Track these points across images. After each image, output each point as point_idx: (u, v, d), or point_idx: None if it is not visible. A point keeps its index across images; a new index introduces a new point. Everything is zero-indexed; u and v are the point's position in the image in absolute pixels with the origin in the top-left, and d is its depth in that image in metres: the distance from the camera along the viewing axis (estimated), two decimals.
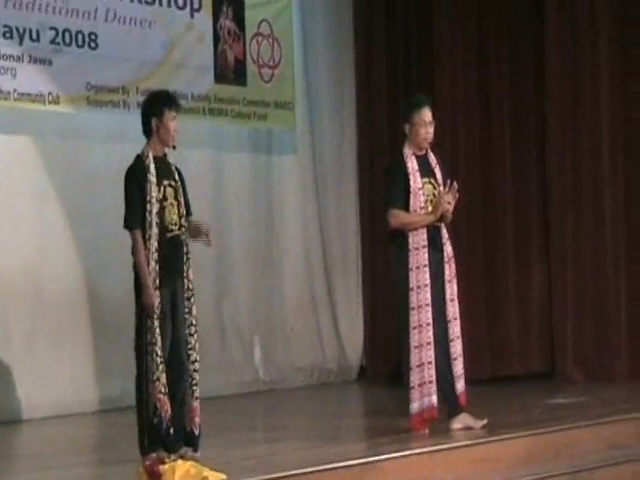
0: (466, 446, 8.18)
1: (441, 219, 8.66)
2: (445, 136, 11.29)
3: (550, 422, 9.01)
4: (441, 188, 8.70)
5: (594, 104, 12.10)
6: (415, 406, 8.61)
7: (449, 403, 8.71)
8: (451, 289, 8.71)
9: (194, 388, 7.62)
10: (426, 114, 8.76)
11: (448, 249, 8.73)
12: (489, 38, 12.55)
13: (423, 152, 8.81)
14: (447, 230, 8.78)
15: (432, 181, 8.74)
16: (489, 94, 12.52)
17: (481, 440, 8.31)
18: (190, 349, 7.62)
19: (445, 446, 8.08)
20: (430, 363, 8.59)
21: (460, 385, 8.69)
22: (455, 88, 12.21)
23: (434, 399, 8.59)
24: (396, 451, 7.77)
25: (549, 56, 12.24)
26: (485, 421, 8.67)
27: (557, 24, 12.19)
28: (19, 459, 8.67)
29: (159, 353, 7.36)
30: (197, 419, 7.61)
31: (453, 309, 8.71)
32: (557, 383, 11.91)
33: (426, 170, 8.75)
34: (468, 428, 8.61)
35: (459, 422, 8.66)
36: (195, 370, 7.63)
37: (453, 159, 11.62)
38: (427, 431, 8.59)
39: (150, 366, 7.37)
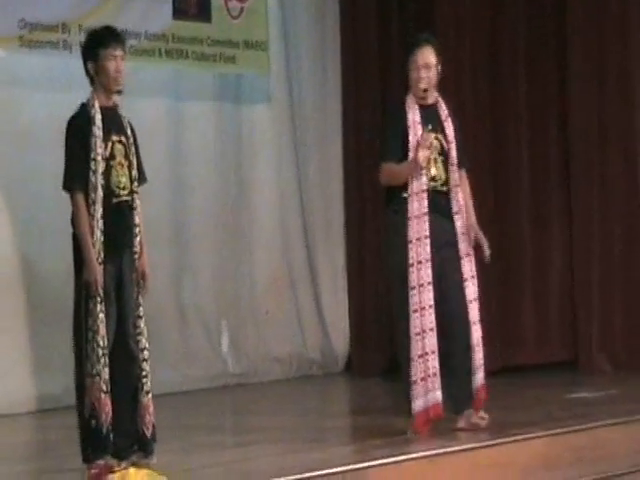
0: (472, 449, 8.21)
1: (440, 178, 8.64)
2: (448, 81, 11.30)
3: (571, 420, 9.06)
4: (451, 145, 8.63)
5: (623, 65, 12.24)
6: (418, 404, 8.53)
7: (459, 399, 8.70)
8: (465, 266, 8.64)
9: (144, 381, 7.52)
10: (421, 56, 8.66)
11: (461, 219, 8.65)
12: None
13: (431, 101, 8.72)
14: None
15: (439, 136, 8.64)
16: (501, 42, 12.60)
17: (490, 442, 8.33)
18: (139, 334, 7.54)
19: (447, 450, 8.09)
20: (434, 352, 8.50)
21: (479, 377, 8.66)
22: (459, 23, 12.22)
23: (439, 395, 8.52)
24: (389, 456, 7.77)
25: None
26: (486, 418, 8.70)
27: None
28: None
29: (101, 343, 7.27)
30: (148, 418, 7.51)
31: (469, 292, 8.63)
32: (580, 374, 12.00)
33: (432, 123, 8.63)
34: (475, 427, 8.64)
35: (464, 419, 8.67)
36: (144, 359, 7.53)
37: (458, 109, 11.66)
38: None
39: (90, 357, 7.29)
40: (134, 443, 7.47)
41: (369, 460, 7.68)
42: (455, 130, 8.71)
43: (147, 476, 6.90)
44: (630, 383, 11.30)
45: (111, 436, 7.28)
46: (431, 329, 8.52)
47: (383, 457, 7.75)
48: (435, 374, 8.53)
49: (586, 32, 12.29)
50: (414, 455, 7.90)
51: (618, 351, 12.16)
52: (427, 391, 8.53)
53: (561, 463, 8.44)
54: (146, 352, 7.55)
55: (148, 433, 7.51)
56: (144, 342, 7.55)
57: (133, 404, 7.50)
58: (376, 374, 12.10)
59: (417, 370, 8.54)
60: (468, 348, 8.63)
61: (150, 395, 7.55)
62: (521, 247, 12.41)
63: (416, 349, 8.53)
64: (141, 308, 7.59)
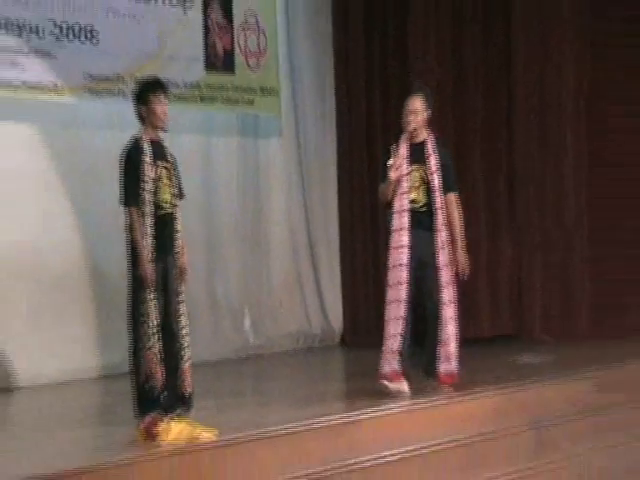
0: (440, 404, 8.21)
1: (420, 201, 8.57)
2: None
3: (518, 380, 9.06)
4: (434, 176, 8.53)
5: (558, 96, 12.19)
6: (386, 367, 8.49)
7: (426, 364, 8.68)
8: (442, 276, 8.56)
9: (184, 352, 7.53)
10: (411, 103, 8.61)
11: (442, 235, 8.54)
12: (461, 27, 12.55)
13: (418, 140, 8.62)
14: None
15: (422, 168, 8.55)
16: (461, 82, 12.54)
17: (453, 398, 8.33)
18: (180, 316, 7.54)
19: (421, 405, 8.10)
20: (400, 335, 8.43)
21: (447, 365, 8.61)
22: (429, 77, 12.16)
23: (397, 365, 8.46)
24: (375, 410, 7.77)
25: (516, 51, 12.31)
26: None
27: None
28: (27, 423, 8.67)
29: (152, 323, 7.31)
30: (188, 380, 7.52)
31: (446, 294, 8.59)
32: (524, 344, 11.93)
33: (417, 158, 8.56)
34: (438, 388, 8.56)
35: (430, 383, 8.64)
36: (184, 335, 7.53)
37: None
38: (402, 387, 8.48)
39: (144, 335, 7.32)
40: (177, 401, 7.45)
41: (360, 412, 7.69)
42: (441, 163, 8.57)
43: (186, 426, 6.88)
44: (563, 351, 11.25)
45: (163, 395, 7.31)
46: (399, 317, 8.45)
47: (370, 411, 7.75)
48: (398, 351, 8.44)
49: (527, 75, 12.26)
50: (395, 409, 7.92)
51: (555, 325, 12.15)
52: (390, 360, 8.49)
53: (509, 414, 8.45)
54: (186, 329, 7.55)
55: (188, 393, 7.51)
56: (184, 321, 7.55)
57: (176, 370, 7.48)
58: (364, 347, 12.06)
59: (386, 344, 8.50)
60: (438, 326, 8.61)
61: (189, 362, 7.54)
62: (478, 243, 12.37)
63: (389, 329, 8.50)
64: (182, 295, 7.58)
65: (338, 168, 12.99)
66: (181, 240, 7.58)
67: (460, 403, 8.28)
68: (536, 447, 8.25)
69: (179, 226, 7.56)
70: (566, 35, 12.24)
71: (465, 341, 10.82)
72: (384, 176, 8.63)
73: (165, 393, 7.34)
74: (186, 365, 7.53)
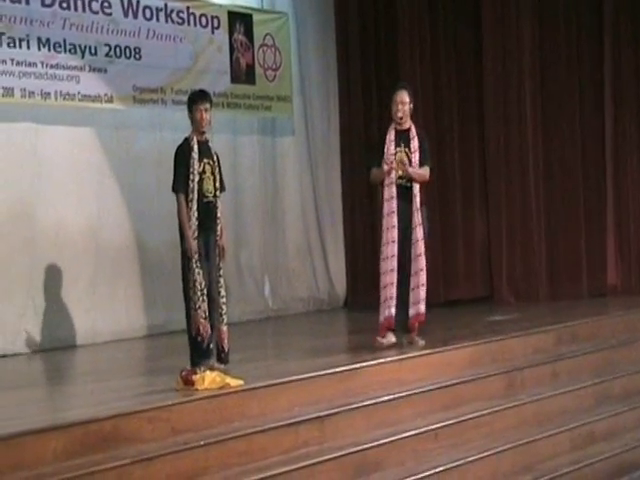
0: (426, 354, 8.14)
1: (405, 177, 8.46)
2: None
3: (489, 335, 8.98)
4: (414, 154, 8.45)
5: (520, 99, 12.08)
6: (383, 314, 8.48)
7: (401, 322, 8.55)
8: (417, 233, 8.44)
9: (223, 316, 7.56)
10: (399, 95, 8.51)
11: (417, 201, 8.44)
12: (439, 47, 12.47)
13: (405, 127, 8.53)
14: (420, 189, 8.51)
15: (406, 150, 8.47)
16: (440, 91, 12.46)
17: (437, 349, 8.26)
18: (220, 286, 7.56)
19: (410, 355, 8.04)
20: (392, 284, 8.40)
21: (413, 310, 8.46)
22: (414, 83, 12.07)
23: (393, 310, 8.42)
24: (372, 360, 7.71)
25: (486, 62, 12.20)
26: (423, 342, 8.48)
27: (491, 29, 12.14)
28: (85, 374, 8.67)
29: (199, 287, 7.33)
30: (226, 340, 7.56)
31: (418, 249, 8.45)
32: (494, 304, 11.89)
33: (402, 141, 8.48)
34: (415, 345, 8.43)
35: (407, 338, 8.51)
36: (224, 303, 7.58)
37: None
38: (391, 339, 8.44)
39: (193, 297, 7.34)
40: (216, 354, 7.49)
41: (360, 362, 7.64)
42: (419, 146, 8.48)
43: (218, 376, 6.81)
44: (526, 310, 11.19)
45: (210, 347, 7.36)
46: (392, 270, 8.42)
47: (368, 360, 7.70)
48: (392, 297, 8.42)
49: (496, 83, 12.18)
50: (389, 359, 7.85)
51: (519, 288, 12.08)
52: (385, 308, 8.45)
53: (482, 363, 8.39)
54: (224, 298, 7.59)
55: (226, 349, 7.57)
56: (223, 291, 7.59)
57: (216, 330, 7.51)
58: (364, 309, 12.01)
59: (382, 294, 8.47)
60: (412, 288, 8.49)
61: (227, 326, 7.59)
62: (455, 221, 12.33)
63: (382, 282, 8.47)
64: (222, 269, 7.61)
65: (341, 158, 12.93)
66: (221, 225, 7.60)
67: (442, 354, 8.21)
68: (505, 389, 8.18)
69: (219, 213, 7.58)
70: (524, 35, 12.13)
71: (445, 303, 10.81)
72: (375, 161, 8.57)
73: (212, 345, 7.37)
74: (225, 327, 7.57)
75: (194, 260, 7.34)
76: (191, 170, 7.39)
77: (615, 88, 12.07)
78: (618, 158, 12.11)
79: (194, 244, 7.34)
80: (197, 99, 7.59)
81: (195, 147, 7.44)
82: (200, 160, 7.45)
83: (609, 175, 12.08)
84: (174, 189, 7.45)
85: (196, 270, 7.34)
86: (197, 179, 7.40)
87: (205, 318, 7.35)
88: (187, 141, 7.50)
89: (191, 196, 7.38)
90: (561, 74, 12.11)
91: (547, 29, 12.15)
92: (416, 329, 8.52)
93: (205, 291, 7.36)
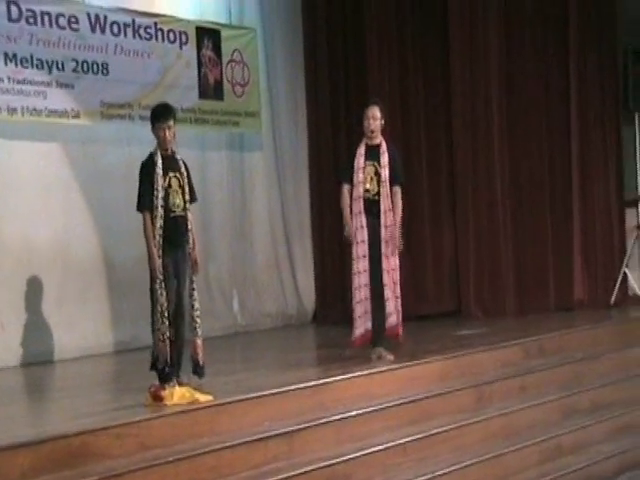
0: (395, 369, 8.17)
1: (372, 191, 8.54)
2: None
3: (458, 349, 9.03)
4: (384, 169, 8.48)
5: (487, 111, 12.17)
6: (357, 331, 8.57)
7: (375, 335, 8.61)
8: (386, 247, 8.50)
9: (197, 330, 7.44)
10: (370, 111, 8.58)
11: (384, 217, 8.49)
12: (407, 58, 12.53)
13: (375, 142, 8.59)
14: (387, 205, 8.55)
15: (375, 164, 8.52)
16: (408, 101, 12.51)
17: (406, 364, 8.29)
18: (194, 299, 7.44)
19: (379, 369, 8.07)
20: (367, 299, 8.51)
21: (389, 321, 8.56)
22: (382, 97, 12.10)
23: (369, 325, 8.54)
24: (342, 374, 7.73)
25: (454, 72, 12.27)
26: (392, 357, 8.52)
27: (458, 47, 12.23)
28: (52, 390, 8.65)
29: (160, 309, 7.21)
30: (201, 354, 7.46)
31: (387, 263, 8.51)
32: (463, 319, 11.93)
33: (372, 155, 8.54)
34: (383, 360, 8.48)
35: (375, 353, 8.56)
36: (198, 316, 7.44)
37: None
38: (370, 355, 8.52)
39: (155, 318, 7.24)
40: (179, 371, 7.36)
41: (329, 377, 7.66)
42: (389, 161, 8.54)
43: (187, 392, 6.83)
44: (494, 324, 11.24)
45: (165, 368, 7.19)
46: (365, 285, 8.52)
47: (338, 375, 7.72)
48: (367, 312, 8.52)
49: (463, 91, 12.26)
50: (358, 373, 7.86)
51: (487, 303, 12.13)
52: (362, 323, 8.55)
53: (451, 377, 8.43)
54: (198, 311, 7.47)
55: (201, 362, 7.47)
56: (197, 304, 7.46)
57: (191, 343, 7.42)
58: (331, 324, 12.06)
59: (357, 310, 8.56)
60: (382, 303, 8.55)
61: (201, 338, 7.47)
62: (423, 236, 12.36)
63: (356, 297, 8.55)
64: (194, 283, 7.50)
65: (309, 172, 12.94)
66: (192, 237, 7.49)
67: (410, 368, 8.25)
68: (474, 403, 8.22)
69: (190, 225, 7.46)
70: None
71: (414, 318, 10.84)
72: (346, 176, 8.63)
73: (168, 367, 7.21)
74: (199, 339, 7.46)
75: (158, 280, 7.21)
76: (155, 186, 7.27)
77: (581, 98, 12.13)
78: (584, 170, 12.16)
79: (158, 263, 7.21)
80: (159, 117, 7.44)
81: (159, 162, 7.32)
82: (165, 174, 7.32)
83: (575, 189, 12.15)
84: (138, 208, 7.35)
85: (159, 291, 7.22)
86: (162, 194, 7.28)
87: (163, 340, 7.21)
88: (151, 156, 7.39)
89: (156, 212, 7.26)
90: (528, 84, 12.18)
91: (514, 39, 12.21)
92: (384, 342, 8.57)
93: (166, 313, 7.20)
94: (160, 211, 7.26)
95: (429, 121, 12.54)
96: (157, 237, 7.25)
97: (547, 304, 12.05)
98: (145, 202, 7.30)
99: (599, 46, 12.24)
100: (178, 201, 7.37)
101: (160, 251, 7.25)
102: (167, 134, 7.38)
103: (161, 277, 7.22)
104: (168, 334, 7.23)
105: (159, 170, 7.31)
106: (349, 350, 8.69)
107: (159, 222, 7.25)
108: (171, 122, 7.42)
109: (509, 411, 8.29)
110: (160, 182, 7.28)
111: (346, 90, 12.76)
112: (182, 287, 7.41)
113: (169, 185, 7.34)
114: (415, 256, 12.21)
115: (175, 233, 7.35)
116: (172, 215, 7.34)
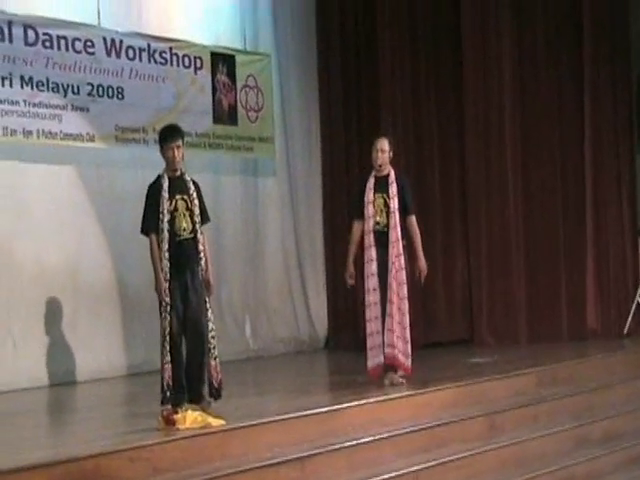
0: (407, 396, 8.18)
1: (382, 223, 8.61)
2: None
3: (470, 376, 9.02)
4: (393, 200, 8.56)
5: (500, 121, 12.16)
6: (370, 362, 8.63)
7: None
8: (399, 276, 8.55)
9: (213, 351, 7.34)
10: (379, 143, 8.68)
11: (393, 249, 8.55)
12: (420, 81, 12.56)
13: (383, 173, 8.69)
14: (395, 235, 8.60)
15: (384, 196, 8.61)
16: (420, 112, 12.52)
17: (418, 391, 8.29)
18: (208, 320, 7.33)
19: (391, 396, 8.07)
20: (378, 332, 8.58)
21: (389, 351, 8.55)
22: (395, 124, 12.16)
23: (382, 358, 8.59)
24: (354, 400, 7.73)
25: (466, 81, 12.28)
26: (404, 381, 8.57)
27: (471, 55, 12.24)
28: (65, 413, 8.66)
29: (164, 332, 7.19)
30: (216, 375, 7.36)
31: (392, 294, 8.54)
32: (475, 347, 11.91)
33: (381, 187, 8.64)
34: (396, 384, 8.55)
35: (388, 378, 8.61)
36: (213, 337, 7.34)
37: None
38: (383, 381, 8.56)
39: (162, 345, 7.22)
40: (187, 394, 7.31)
41: (341, 403, 7.66)
42: (398, 191, 8.61)
43: (199, 416, 6.83)
44: (506, 352, 11.20)
45: (170, 394, 7.15)
46: (376, 317, 8.59)
47: (350, 401, 7.71)
48: (380, 345, 8.56)
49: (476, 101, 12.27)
50: (371, 400, 7.86)
51: (499, 331, 12.11)
52: (375, 355, 8.60)
53: (463, 404, 8.41)
54: (213, 332, 7.37)
55: (215, 384, 7.38)
56: (211, 325, 7.36)
57: (206, 365, 7.32)
58: (345, 350, 12.04)
59: (369, 342, 8.63)
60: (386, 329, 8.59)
61: (217, 360, 7.37)
62: (435, 263, 12.28)
63: (368, 329, 8.63)
64: (208, 305, 7.39)
65: (322, 198, 12.94)
66: (205, 259, 7.37)
67: (423, 395, 8.25)
68: (486, 431, 8.20)
69: (201, 247, 7.35)
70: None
71: (426, 345, 10.83)
72: (353, 211, 8.89)
73: (169, 390, 7.17)
74: (214, 362, 7.37)
75: (164, 304, 7.19)
76: (161, 209, 7.23)
77: (594, 108, 12.11)
78: (597, 193, 12.15)
79: (164, 286, 7.17)
80: (167, 137, 7.40)
81: (165, 185, 7.27)
82: (171, 197, 7.26)
83: (589, 216, 12.13)
84: (142, 230, 7.32)
85: (163, 315, 7.20)
86: (167, 218, 7.22)
87: (169, 368, 7.17)
88: (158, 179, 7.35)
89: (162, 236, 7.21)
90: (541, 93, 12.19)
91: (527, 48, 12.25)
92: (396, 369, 8.59)
93: (169, 337, 7.15)
94: (166, 235, 7.22)
95: (442, 131, 12.56)
96: (164, 260, 7.20)
97: (560, 333, 12.02)
98: (150, 225, 7.27)
99: (612, 56, 12.26)
100: (185, 225, 7.30)
101: (167, 275, 7.21)
102: (176, 154, 7.33)
103: (167, 301, 7.19)
104: (169, 358, 7.19)
105: (165, 193, 7.27)
106: (361, 377, 8.70)
107: (165, 246, 7.21)
108: (179, 142, 7.37)
109: (521, 440, 8.27)
110: (166, 205, 7.24)
111: (359, 117, 12.77)
112: (191, 310, 7.31)
113: (175, 208, 7.29)
114: (426, 283, 12.17)
115: (182, 257, 7.28)
116: (178, 239, 7.28)
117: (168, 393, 7.18)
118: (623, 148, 12.35)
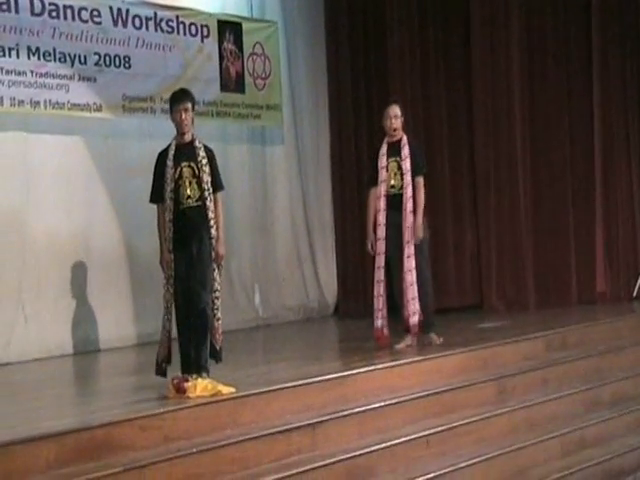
0: (417, 361, 8.19)
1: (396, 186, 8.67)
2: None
3: (480, 342, 9.03)
4: (405, 161, 8.63)
5: (509, 109, 12.13)
6: (377, 323, 8.73)
7: (424, 322, 8.78)
8: (408, 234, 8.60)
9: (216, 312, 7.20)
10: (392, 109, 8.77)
11: (408, 205, 8.61)
12: (429, 56, 12.51)
13: (396, 139, 8.75)
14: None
15: (397, 159, 8.69)
16: (430, 99, 12.49)
17: (428, 356, 8.31)
18: (215, 290, 7.17)
19: (401, 362, 8.07)
20: (380, 296, 8.70)
21: (413, 317, 8.67)
22: (404, 95, 12.10)
23: (379, 323, 8.73)
24: (363, 367, 7.74)
25: (475, 70, 12.24)
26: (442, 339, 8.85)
27: (481, 43, 12.19)
28: (76, 382, 8.72)
29: (166, 304, 7.17)
30: (218, 336, 7.25)
31: (411, 261, 8.62)
32: (485, 312, 11.91)
33: (394, 151, 8.72)
34: (409, 346, 8.69)
35: (427, 339, 8.80)
36: (217, 298, 7.19)
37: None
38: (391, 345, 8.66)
39: (164, 315, 7.21)
40: (193, 365, 7.23)
41: (351, 369, 7.66)
42: (410, 153, 8.69)
43: (210, 383, 6.84)
44: (516, 317, 11.24)
45: (163, 365, 7.23)
46: (378, 281, 8.71)
47: (359, 368, 7.73)
48: (379, 309, 8.72)
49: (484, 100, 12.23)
50: (380, 366, 7.87)
51: (508, 297, 12.11)
52: (379, 317, 8.74)
53: (473, 369, 8.43)
54: (218, 293, 7.21)
55: (217, 346, 7.29)
56: (218, 293, 7.22)
57: (204, 335, 7.20)
58: (353, 317, 12.07)
59: (375, 303, 8.74)
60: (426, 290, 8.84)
61: (220, 321, 7.26)
62: (445, 230, 12.34)
63: (375, 291, 8.73)
64: (216, 273, 7.22)
65: (331, 167, 12.93)
66: (214, 229, 7.18)
67: (433, 360, 8.26)
68: (496, 396, 8.22)
69: (211, 214, 7.16)
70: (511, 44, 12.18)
71: (436, 311, 10.85)
72: (368, 181, 8.93)
73: (165, 363, 7.22)
74: (217, 323, 7.24)
75: (166, 275, 7.13)
76: (165, 178, 7.13)
77: (603, 95, 12.10)
78: (606, 165, 12.14)
79: (167, 257, 7.10)
80: (176, 100, 7.29)
81: (171, 153, 7.16)
82: (176, 165, 7.12)
83: (598, 183, 12.11)
84: (150, 200, 7.27)
85: (166, 287, 7.16)
86: (171, 187, 7.10)
87: (165, 339, 7.17)
88: (167, 147, 7.27)
89: (166, 205, 7.11)
90: (550, 81, 12.17)
91: (536, 36, 12.21)
92: (418, 331, 8.74)
93: (171, 308, 7.11)
94: (170, 204, 7.11)
95: (451, 119, 12.52)
96: (167, 230, 7.13)
97: (569, 297, 12.02)
98: (156, 194, 7.22)
99: (621, 38, 12.19)
100: (190, 192, 7.15)
101: (170, 245, 7.13)
102: (183, 117, 7.21)
103: (170, 272, 7.14)
104: (168, 327, 7.18)
105: (169, 162, 7.15)
106: (369, 343, 8.71)
107: (169, 215, 7.12)
108: (188, 105, 7.25)
109: (531, 404, 8.29)
110: (170, 173, 7.13)
111: (367, 85, 12.74)
112: (194, 282, 7.14)
113: (179, 176, 7.15)
114: (437, 251, 12.17)
115: (187, 226, 7.15)
116: (181, 207, 7.14)
117: (163, 365, 7.22)
118: (633, 118, 12.31)
